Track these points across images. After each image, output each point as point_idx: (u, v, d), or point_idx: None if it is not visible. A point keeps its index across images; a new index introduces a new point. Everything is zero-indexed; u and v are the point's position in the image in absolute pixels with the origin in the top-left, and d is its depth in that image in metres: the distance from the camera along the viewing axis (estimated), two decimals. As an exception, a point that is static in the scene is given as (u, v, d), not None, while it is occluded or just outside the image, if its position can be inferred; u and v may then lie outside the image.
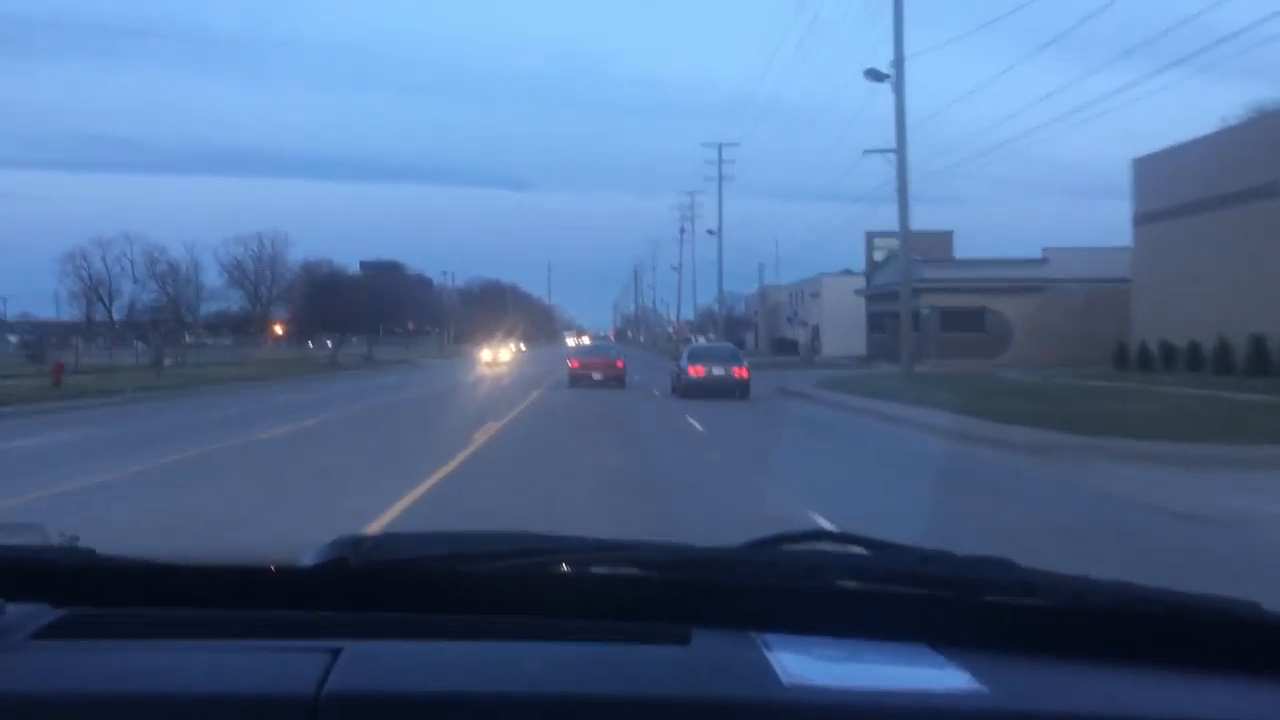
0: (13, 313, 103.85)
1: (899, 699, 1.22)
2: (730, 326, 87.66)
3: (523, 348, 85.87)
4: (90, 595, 1.47)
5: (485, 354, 64.56)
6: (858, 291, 63.92)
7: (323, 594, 1.47)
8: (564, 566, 1.51)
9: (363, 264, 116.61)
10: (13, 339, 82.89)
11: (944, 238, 61.73)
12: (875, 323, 59.08)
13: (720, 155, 73.22)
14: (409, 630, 1.38)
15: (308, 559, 1.49)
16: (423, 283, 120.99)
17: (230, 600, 1.49)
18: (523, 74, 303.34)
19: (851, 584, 1.46)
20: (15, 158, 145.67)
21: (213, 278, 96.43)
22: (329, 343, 70.20)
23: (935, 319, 47.08)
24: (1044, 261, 50.65)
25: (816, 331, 75.35)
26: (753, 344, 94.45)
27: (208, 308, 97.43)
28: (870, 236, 66.84)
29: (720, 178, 73.13)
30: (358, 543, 1.50)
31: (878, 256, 64.61)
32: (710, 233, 76.23)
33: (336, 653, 1.28)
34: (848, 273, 74.98)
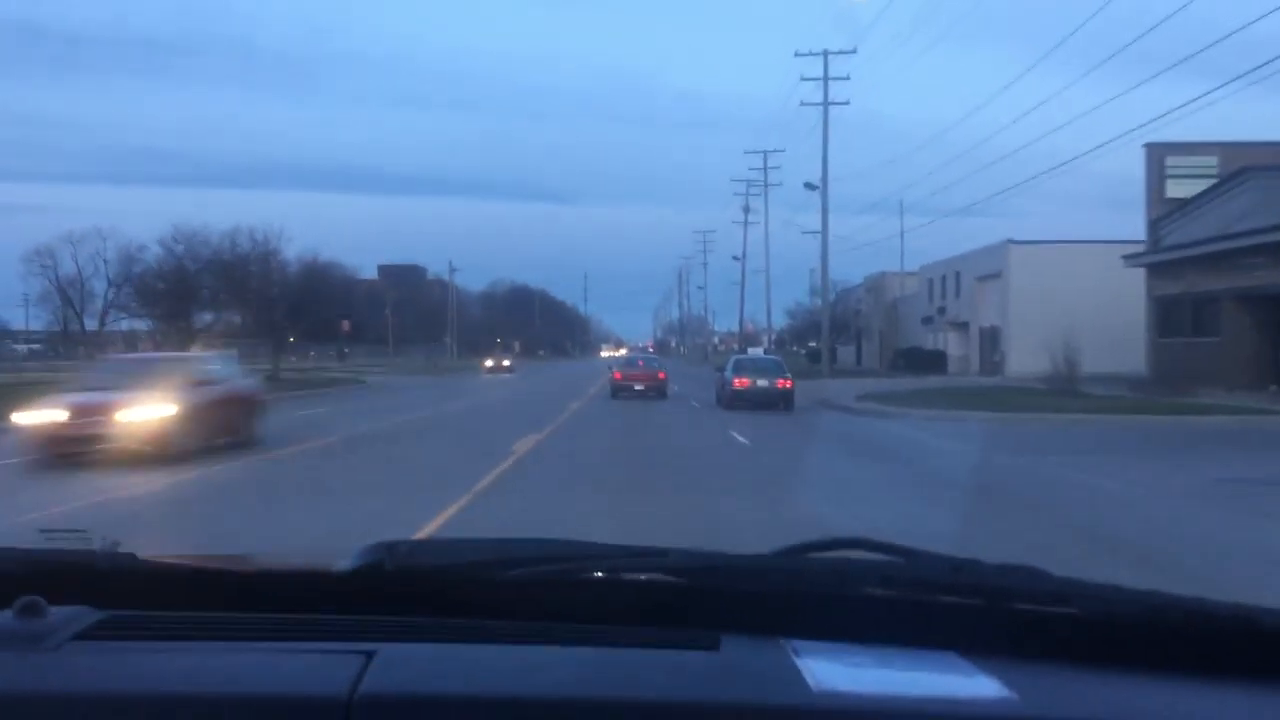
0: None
1: (928, 706, 1.22)
2: (801, 331, 70.63)
3: (505, 363, 70.69)
4: (131, 598, 1.51)
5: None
6: (1130, 260, 35.48)
7: (358, 597, 1.50)
8: (595, 573, 1.53)
9: (381, 267, 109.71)
10: (19, 347, 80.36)
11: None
12: (1172, 315, 33.63)
13: (826, 81, 46.34)
14: (442, 634, 1.40)
15: (344, 563, 1.51)
16: (442, 287, 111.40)
17: (267, 603, 1.52)
18: (569, 90, 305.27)
19: (881, 591, 1.45)
20: (66, 172, 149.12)
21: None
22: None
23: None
24: None
25: (993, 335, 50.89)
26: (860, 355, 75.24)
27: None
28: (1156, 152, 35.89)
29: (825, 121, 46.31)
30: (393, 547, 1.52)
31: (1179, 191, 34.91)
32: (812, 204, 62.32)
33: (370, 655, 1.30)
34: (1033, 244, 48.43)
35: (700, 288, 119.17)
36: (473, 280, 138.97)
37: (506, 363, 68.87)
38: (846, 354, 76.52)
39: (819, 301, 62.32)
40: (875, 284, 74.81)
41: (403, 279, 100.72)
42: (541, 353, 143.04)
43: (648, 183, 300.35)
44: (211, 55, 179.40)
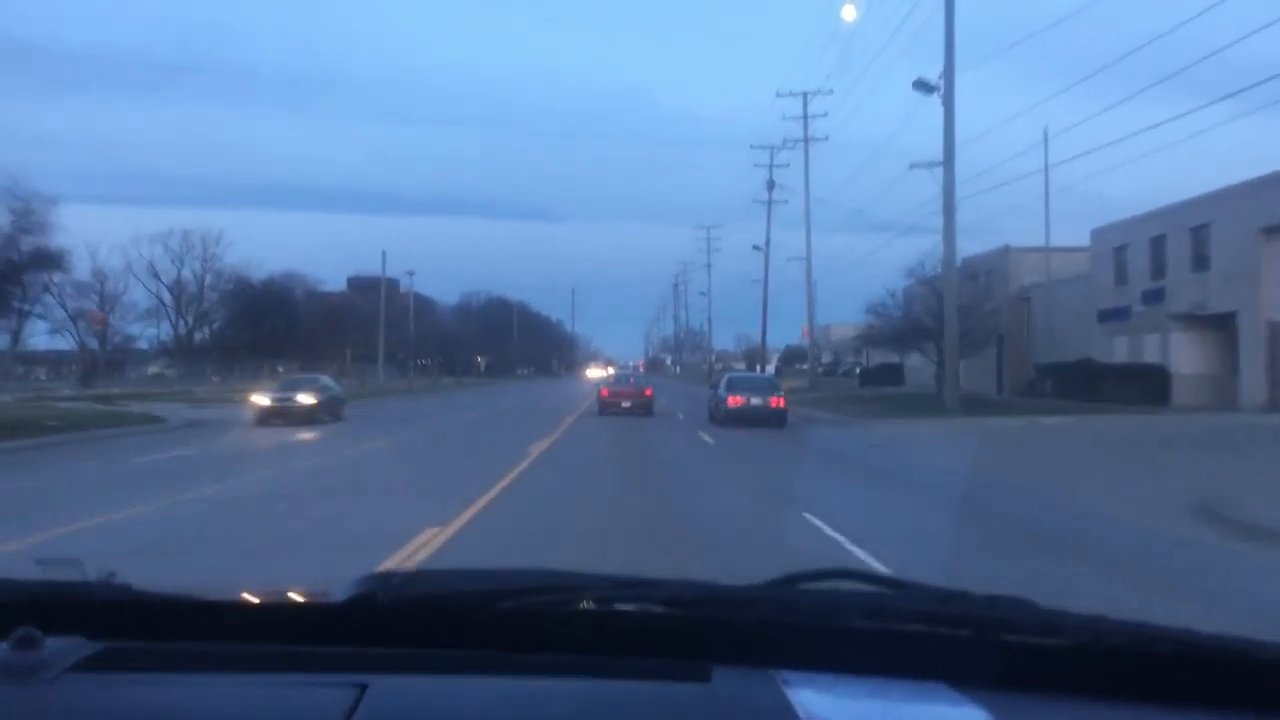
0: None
1: None
2: (902, 334, 42.05)
3: (303, 400, 31.10)
4: (126, 629, 1.51)
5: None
6: None
7: (352, 629, 1.50)
8: (587, 604, 1.53)
9: (350, 280, 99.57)
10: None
11: None
12: None
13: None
14: (435, 666, 1.41)
15: (338, 594, 1.52)
16: (416, 300, 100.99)
17: (262, 634, 1.52)
18: (562, 108, 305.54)
19: (870, 623, 1.46)
20: (65, 192, 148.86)
21: (139, 293, 76.05)
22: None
23: None
24: None
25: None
26: (1001, 374, 45.52)
27: (132, 327, 77.82)
28: None
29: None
30: (386, 579, 1.53)
31: None
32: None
33: (364, 688, 1.30)
34: None
35: (703, 293, 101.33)
36: (454, 295, 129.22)
37: (306, 399, 31.26)
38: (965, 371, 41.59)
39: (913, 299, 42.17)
40: (992, 266, 47.07)
41: (373, 292, 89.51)
42: (523, 371, 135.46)
43: (640, 202, 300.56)
44: (199, 74, 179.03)
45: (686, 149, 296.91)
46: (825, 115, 53.27)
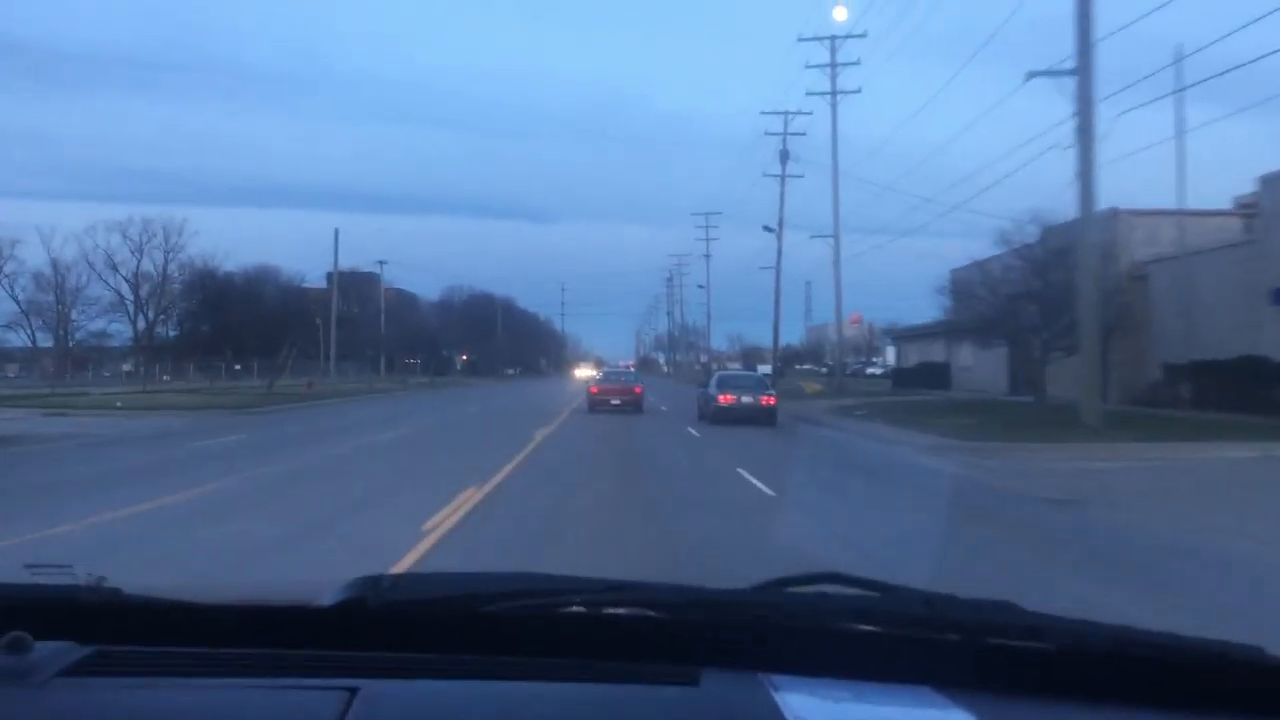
0: None
1: None
2: (994, 323, 33.26)
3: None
4: (116, 633, 1.51)
5: None
6: None
7: (341, 633, 1.51)
8: (576, 607, 1.54)
9: (329, 275, 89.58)
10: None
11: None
12: None
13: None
14: (425, 670, 1.41)
15: (327, 598, 1.52)
16: (400, 296, 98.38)
17: (252, 638, 1.52)
18: (552, 108, 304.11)
19: (857, 626, 1.47)
20: (52, 190, 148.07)
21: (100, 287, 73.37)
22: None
23: None
24: None
25: None
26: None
27: (92, 323, 74.67)
28: None
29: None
30: (376, 583, 1.53)
31: None
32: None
33: (354, 691, 1.31)
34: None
35: (701, 286, 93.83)
36: (438, 292, 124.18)
37: None
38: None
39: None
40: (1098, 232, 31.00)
41: (356, 288, 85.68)
42: (511, 371, 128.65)
43: (631, 203, 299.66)
44: (188, 72, 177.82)
45: (678, 149, 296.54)
46: (857, 63, 44.38)
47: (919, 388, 48.05)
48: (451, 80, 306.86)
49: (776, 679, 1.38)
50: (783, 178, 51.45)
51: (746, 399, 28.87)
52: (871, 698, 1.37)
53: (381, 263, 79.26)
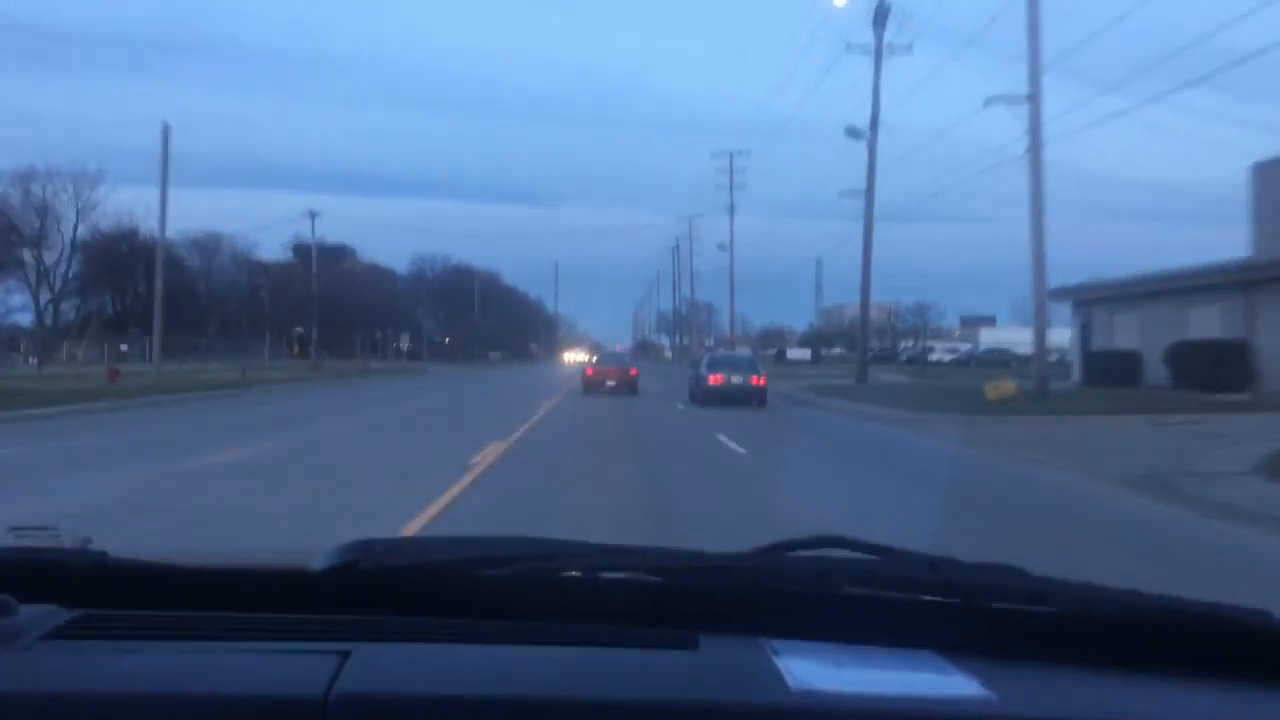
0: None
1: (906, 704, 1.23)
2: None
3: None
4: (102, 597, 1.49)
5: None
6: None
7: (334, 597, 1.48)
8: (573, 571, 1.52)
9: (296, 248, 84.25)
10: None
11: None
12: None
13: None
14: (418, 634, 1.39)
15: (319, 562, 1.50)
16: (376, 271, 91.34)
17: (242, 603, 1.50)
18: (549, 90, 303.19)
19: (859, 590, 1.46)
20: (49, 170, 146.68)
21: None
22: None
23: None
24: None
25: None
26: None
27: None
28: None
29: None
30: (369, 546, 1.51)
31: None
32: None
33: (346, 655, 1.29)
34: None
35: (722, 247, 75.73)
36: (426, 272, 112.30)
37: None
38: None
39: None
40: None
41: (323, 262, 77.58)
42: (495, 354, 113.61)
43: (628, 186, 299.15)
44: (183, 52, 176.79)
45: (675, 135, 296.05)
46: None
47: (1185, 386, 27.37)
48: (451, 61, 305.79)
49: (777, 643, 1.36)
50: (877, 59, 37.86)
51: (736, 379, 29.17)
52: (874, 662, 1.36)
53: (313, 213, 70.83)
